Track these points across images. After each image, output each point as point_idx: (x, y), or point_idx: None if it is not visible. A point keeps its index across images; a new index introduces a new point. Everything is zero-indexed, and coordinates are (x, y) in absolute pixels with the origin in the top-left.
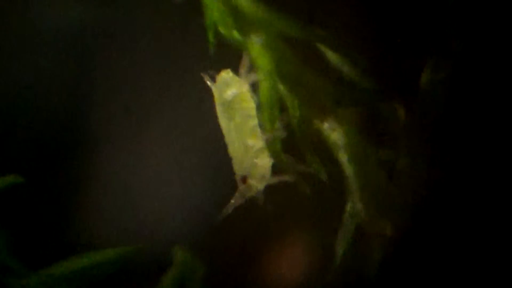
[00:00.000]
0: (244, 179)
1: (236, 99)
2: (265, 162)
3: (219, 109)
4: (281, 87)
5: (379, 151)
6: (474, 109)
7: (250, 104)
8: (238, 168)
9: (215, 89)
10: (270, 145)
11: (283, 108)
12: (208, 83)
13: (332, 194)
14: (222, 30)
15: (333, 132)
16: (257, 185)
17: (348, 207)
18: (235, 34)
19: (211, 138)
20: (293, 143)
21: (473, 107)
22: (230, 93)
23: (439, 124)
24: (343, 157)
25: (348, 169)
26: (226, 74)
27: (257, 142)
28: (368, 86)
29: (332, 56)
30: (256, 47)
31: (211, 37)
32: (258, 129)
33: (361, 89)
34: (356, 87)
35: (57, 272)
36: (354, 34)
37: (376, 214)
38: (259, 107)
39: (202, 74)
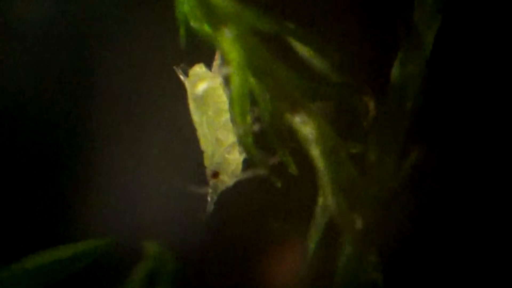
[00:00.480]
0: (214, 174)
1: (208, 93)
2: (236, 157)
3: (191, 103)
4: (252, 80)
5: (350, 144)
6: (444, 102)
7: (222, 99)
8: (209, 163)
9: (187, 83)
10: (241, 139)
11: (254, 102)
12: (181, 77)
13: (305, 188)
14: (193, 23)
15: (305, 126)
16: (227, 180)
17: (320, 201)
18: (206, 27)
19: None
20: (265, 137)
21: (444, 100)
22: (202, 87)
23: (409, 117)
24: (314, 151)
25: (319, 162)
26: (198, 68)
27: (229, 137)
28: (339, 80)
29: (303, 50)
30: (227, 41)
31: (182, 30)
32: (230, 124)
33: (332, 82)
34: (327, 80)
35: (29, 266)
36: (324, 28)
37: (347, 207)
38: (231, 101)
39: (174, 67)
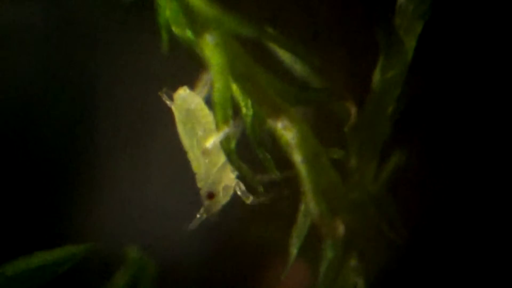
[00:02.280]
0: (210, 195)
1: (195, 114)
2: (229, 176)
3: (179, 127)
4: (234, 86)
5: (331, 150)
6: (425, 107)
7: (209, 119)
8: (203, 185)
9: (174, 108)
10: (223, 145)
11: (236, 109)
12: (167, 102)
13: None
14: (174, 29)
15: (286, 131)
16: (222, 200)
17: (302, 206)
18: (188, 33)
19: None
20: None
21: (424, 105)
22: (188, 109)
23: (390, 123)
24: (296, 156)
25: (301, 168)
26: (183, 92)
27: (220, 156)
28: (320, 86)
29: (284, 56)
30: (209, 46)
31: (164, 36)
32: (219, 143)
33: (313, 88)
34: (308, 86)
35: (9, 272)
36: (305, 34)
37: (328, 213)
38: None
39: (159, 93)
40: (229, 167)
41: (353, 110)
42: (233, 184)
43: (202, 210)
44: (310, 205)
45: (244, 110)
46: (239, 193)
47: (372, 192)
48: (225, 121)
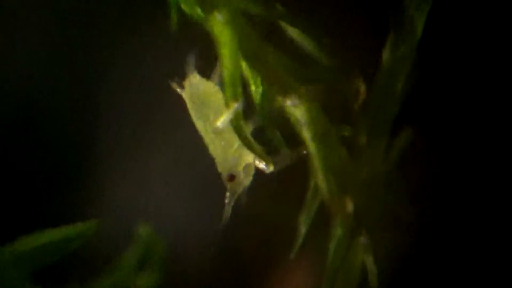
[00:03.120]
0: (230, 177)
1: (207, 99)
2: (247, 156)
3: (192, 113)
4: (243, 64)
5: (340, 127)
6: (435, 85)
7: (222, 102)
8: (223, 168)
9: (185, 95)
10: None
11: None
12: (178, 90)
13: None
14: (184, 7)
15: (296, 109)
16: (244, 181)
17: (311, 184)
18: (197, 10)
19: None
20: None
21: (434, 83)
22: (200, 95)
23: (400, 100)
24: (305, 134)
25: (311, 146)
26: (193, 78)
27: (235, 137)
28: (329, 63)
29: (293, 33)
30: (218, 24)
31: (173, 14)
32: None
33: (322, 66)
34: (318, 64)
35: (18, 249)
36: (315, 11)
37: (338, 190)
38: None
39: (169, 82)
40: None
41: (362, 88)
42: (253, 163)
43: (227, 195)
44: (319, 183)
45: (253, 88)
46: (259, 166)
47: (382, 170)
48: (235, 99)
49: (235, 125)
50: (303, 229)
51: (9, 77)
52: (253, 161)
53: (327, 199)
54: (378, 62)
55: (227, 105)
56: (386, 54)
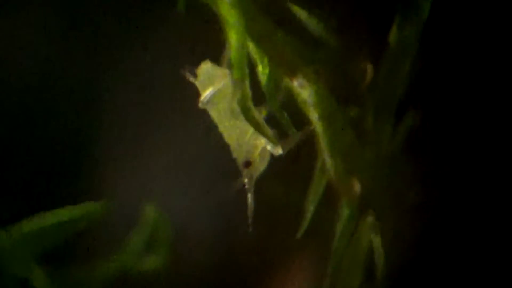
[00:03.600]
0: (246, 164)
1: (221, 87)
2: (262, 141)
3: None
4: (250, 45)
5: (347, 108)
6: (442, 65)
7: None
8: (238, 154)
9: (198, 84)
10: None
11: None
12: (191, 79)
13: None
14: None
15: (303, 90)
16: (260, 166)
17: (318, 164)
18: None
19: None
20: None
21: (441, 63)
22: (214, 83)
23: (406, 81)
24: (312, 115)
25: (318, 126)
26: (205, 65)
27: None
28: (337, 44)
29: (301, 14)
30: (225, 5)
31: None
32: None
33: (329, 47)
34: (325, 45)
35: (27, 229)
36: None
37: (345, 171)
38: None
39: (181, 71)
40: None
41: (369, 69)
42: (268, 148)
43: (245, 181)
44: (326, 164)
45: (260, 68)
46: (268, 147)
47: (388, 151)
48: (242, 80)
49: (242, 105)
50: (310, 208)
51: (19, 74)
52: (269, 149)
53: (334, 179)
54: (385, 43)
55: (234, 85)
56: (392, 36)
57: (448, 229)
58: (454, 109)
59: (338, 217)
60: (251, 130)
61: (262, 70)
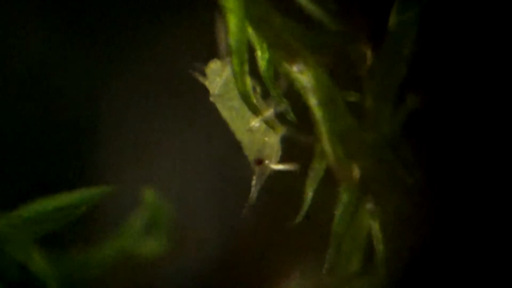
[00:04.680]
0: (258, 161)
1: (230, 85)
2: (273, 138)
3: (216, 101)
4: (250, 30)
5: (346, 93)
6: (442, 50)
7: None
8: (250, 152)
9: (208, 83)
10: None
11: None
12: (200, 79)
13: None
14: None
15: (302, 75)
16: (271, 163)
17: (317, 149)
18: None
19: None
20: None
21: (441, 47)
22: (223, 81)
23: (406, 65)
24: (312, 100)
25: (317, 111)
26: (213, 64)
27: (260, 121)
28: (336, 29)
29: None
30: None
31: None
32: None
33: (329, 31)
34: (324, 29)
35: (26, 214)
36: None
37: (344, 155)
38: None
39: (190, 71)
40: (272, 131)
41: (368, 52)
42: (279, 147)
43: (254, 178)
44: (325, 149)
45: (259, 53)
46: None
47: (388, 135)
48: (241, 65)
49: (241, 91)
50: (309, 194)
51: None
52: (280, 147)
53: (333, 165)
54: (385, 27)
55: (234, 72)
56: (392, 18)
57: (448, 213)
58: (454, 93)
59: (338, 202)
60: (262, 127)
61: (261, 55)
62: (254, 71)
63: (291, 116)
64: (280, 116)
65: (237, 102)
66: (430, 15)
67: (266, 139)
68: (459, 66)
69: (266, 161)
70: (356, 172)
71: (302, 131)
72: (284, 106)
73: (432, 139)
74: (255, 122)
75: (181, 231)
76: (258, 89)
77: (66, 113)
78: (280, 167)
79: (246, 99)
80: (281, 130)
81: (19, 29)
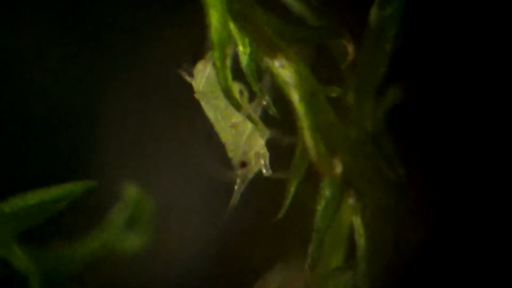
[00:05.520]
0: (242, 164)
1: (214, 87)
2: (259, 142)
3: (202, 102)
4: (231, 24)
5: (328, 88)
6: (422, 43)
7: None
8: (234, 154)
9: (194, 83)
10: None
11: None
12: (187, 78)
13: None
14: None
15: (284, 70)
16: (255, 166)
17: (299, 145)
18: None
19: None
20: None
21: (421, 41)
22: (205, 77)
23: (388, 60)
24: (293, 95)
25: (299, 107)
26: (202, 65)
27: (246, 123)
28: (318, 24)
29: None
30: None
31: None
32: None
33: (310, 26)
34: (307, 24)
35: (7, 209)
36: None
37: (326, 152)
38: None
39: (178, 71)
40: (258, 134)
41: (350, 47)
42: (264, 151)
43: (238, 181)
44: (307, 144)
45: (241, 48)
46: (261, 162)
47: (370, 130)
48: (223, 59)
49: (222, 85)
50: (291, 190)
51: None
52: (265, 151)
53: (315, 160)
54: (366, 22)
55: (216, 66)
56: (373, 14)
57: (432, 207)
58: (436, 87)
59: (320, 197)
60: (247, 131)
61: (243, 50)
62: (241, 75)
63: (273, 110)
64: (266, 120)
65: (222, 102)
66: (411, 9)
67: (251, 141)
68: (441, 60)
69: (250, 165)
70: (339, 167)
71: (286, 130)
72: (266, 100)
73: (414, 133)
74: (236, 118)
75: (168, 228)
76: (246, 94)
77: (61, 114)
78: (271, 173)
79: (227, 94)
80: (267, 133)
81: (19, 29)
